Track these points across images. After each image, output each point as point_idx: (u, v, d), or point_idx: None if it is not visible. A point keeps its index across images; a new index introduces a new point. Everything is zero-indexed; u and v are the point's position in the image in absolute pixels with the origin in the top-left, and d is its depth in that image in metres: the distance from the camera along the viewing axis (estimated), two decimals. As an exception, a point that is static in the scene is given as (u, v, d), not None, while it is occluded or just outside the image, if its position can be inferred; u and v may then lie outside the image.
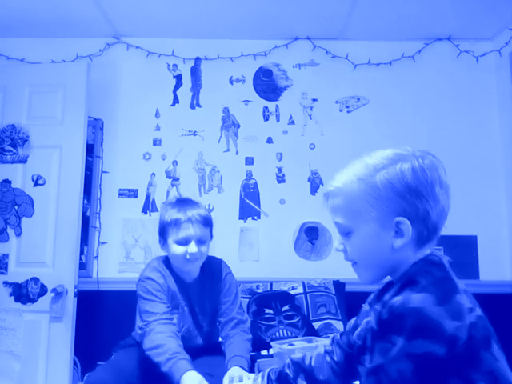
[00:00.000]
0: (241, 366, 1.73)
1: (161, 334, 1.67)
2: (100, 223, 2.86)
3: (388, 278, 1.04)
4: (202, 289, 1.94)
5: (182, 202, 1.90)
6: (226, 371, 1.70)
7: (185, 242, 1.82)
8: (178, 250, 1.83)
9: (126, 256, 2.82)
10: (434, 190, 0.94)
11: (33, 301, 2.49)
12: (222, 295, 1.94)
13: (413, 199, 0.93)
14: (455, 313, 0.83)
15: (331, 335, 1.32)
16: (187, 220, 1.81)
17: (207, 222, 1.85)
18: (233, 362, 1.78)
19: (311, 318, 2.46)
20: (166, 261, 1.92)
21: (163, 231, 1.87)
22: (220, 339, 1.95)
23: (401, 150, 1.00)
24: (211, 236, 1.93)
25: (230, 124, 2.96)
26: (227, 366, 1.74)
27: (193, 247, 1.81)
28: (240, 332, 1.89)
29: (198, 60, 3.01)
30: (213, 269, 1.97)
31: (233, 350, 1.83)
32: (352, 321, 1.18)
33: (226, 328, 1.91)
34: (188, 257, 1.82)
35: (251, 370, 1.99)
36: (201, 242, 1.84)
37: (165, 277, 1.88)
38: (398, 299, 0.86)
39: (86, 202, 2.81)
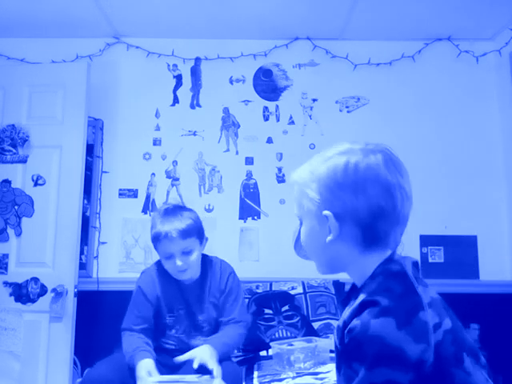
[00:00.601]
0: (215, 348, 1.78)
1: (131, 337, 1.89)
2: (100, 223, 2.85)
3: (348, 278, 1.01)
4: (202, 289, 1.97)
5: (168, 213, 1.92)
6: (224, 369, 1.74)
7: (169, 256, 1.88)
8: (166, 264, 1.91)
9: (125, 256, 2.82)
10: (365, 187, 0.89)
11: (33, 301, 2.49)
12: (223, 295, 1.97)
13: (340, 194, 0.90)
14: (419, 334, 0.79)
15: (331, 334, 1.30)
16: (164, 236, 1.85)
17: (187, 234, 1.87)
18: (209, 341, 1.84)
19: (311, 318, 2.46)
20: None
21: (153, 243, 1.94)
22: None
23: (356, 143, 0.96)
24: (201, 241, 1.96)
25: (229, 124, 2.96)
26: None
27: (177, 261, 1.87)
28: (234, 325, 1.93)
29: (197, 60, 3.01)
30: (214, 269, 2.01)
31: (217, 334, 1.90)
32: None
33: (224, 325, 1.95)
34: (176, 269, 1.89)
35: (250, 371, 2.00)
36: (185, 253, 1.88)
37: (155, 285, 1.95)
38: (356, 324, 0.82)
39: (86, 201, 2.80)
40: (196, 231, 1.91)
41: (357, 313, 0.84)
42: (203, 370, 1.69)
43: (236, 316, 1.93)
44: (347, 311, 0.89)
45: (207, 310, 1.96)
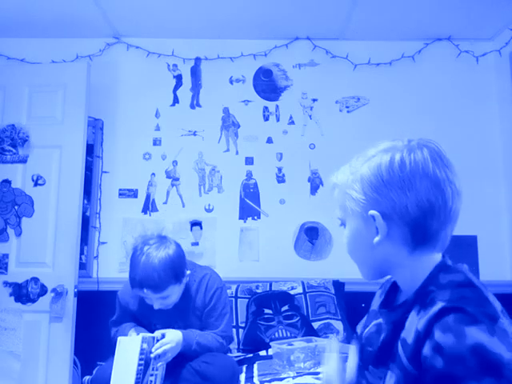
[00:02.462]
0: (183, 333, 1.82)
1: (119, 328, 2.02)
2: (100, 223, 2.86)
3: (388, 279, 1.00)
4: (184, 306, 1.94)
5: (141, 257, 1.80)
6: (220, 361, 1.82)
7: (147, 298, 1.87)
8: (145, 298, 1.88)
9: (126, 256, 2.81)
10: (413, 183, 0.85)
11: (33, 301, 2.49)
12: (207, 308, 1.95)
13: (387, 192, 0.87)
14: (507, 342, 0.74)
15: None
16: (139, 288, 1.80)
17: (161, 288, 1.78)
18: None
19: (311, 318, 2.46)
20: None
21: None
22: None
23: (398, 141, 0.93)
24: (181, 281, 1.87)
25: (229, 124, 2.96)
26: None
27: (155, 305, 1.84)
28: (215, 335, 1.91)
29: (198, 60, 3.01)
30: (199, 287, 1.98)
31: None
32: (361, 322, 1.10)
33: None
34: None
35: (250, 370, 1.99)
36: (163, 298, 1.83)
37: (131, 299, 1.98)
38: (447, 337, 0.74)
39: (86, 201, 2.80)
40: (173, 277, 1.80)
41: (435, 320, 0.78)
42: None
43: (218, 332, 1.92)
44: (419, 325, 0.81)
45: (191, 324, 1.95)
